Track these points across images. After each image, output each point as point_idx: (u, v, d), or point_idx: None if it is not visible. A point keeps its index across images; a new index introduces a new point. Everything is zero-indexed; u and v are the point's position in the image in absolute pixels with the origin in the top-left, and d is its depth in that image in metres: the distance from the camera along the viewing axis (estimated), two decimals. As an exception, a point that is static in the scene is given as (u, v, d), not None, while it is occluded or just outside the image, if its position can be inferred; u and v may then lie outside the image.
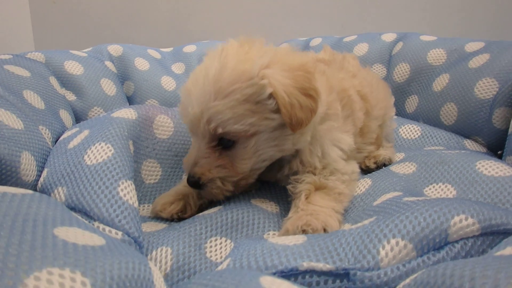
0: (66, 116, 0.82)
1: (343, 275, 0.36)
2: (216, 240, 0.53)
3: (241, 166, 0.58)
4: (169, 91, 1.15)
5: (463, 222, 0.40)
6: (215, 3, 1.77)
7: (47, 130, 0.69)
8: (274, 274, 0.37)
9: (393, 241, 0.38)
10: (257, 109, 0.53)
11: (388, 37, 1.26)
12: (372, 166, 0.76)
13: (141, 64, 1.14)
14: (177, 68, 1.27)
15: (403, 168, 0.69)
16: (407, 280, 0.31)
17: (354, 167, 0.67)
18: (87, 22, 1.70)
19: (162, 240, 0.51)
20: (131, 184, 0.51)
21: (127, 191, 0.49)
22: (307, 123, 0.55)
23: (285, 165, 0.64)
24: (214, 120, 0.53)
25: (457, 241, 0.40)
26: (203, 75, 0.55)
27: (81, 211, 0.46)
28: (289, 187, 0.62)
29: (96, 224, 0.44)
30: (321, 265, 0.37)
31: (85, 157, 0.53)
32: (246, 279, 0.27)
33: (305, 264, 0.37)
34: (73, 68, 0.94)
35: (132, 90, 1.10)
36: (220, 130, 0.54)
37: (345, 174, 0.63)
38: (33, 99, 0.74)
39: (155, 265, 0.48)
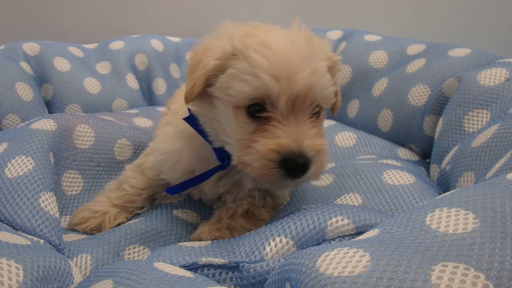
0: (-23, 126, 0.95)
1: (234, 267, 0.57)
2: (134, 248, 0.72)
3: (324, 136, 0.68)
4: (93, 94, 1.31)
5: (339, 223, 0.62)
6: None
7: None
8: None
9: (277, 239, 0.59)
10: (332, 82, 0.66)
11: (334, 34, 1.50)
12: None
13: (61, 64, 1.28)
14: (102, 67, 1.41)
15: (322, 181, 0.92)
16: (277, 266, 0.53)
17: (285, 194, 0.86)
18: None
19: (83, 248, 0.69)
20: (52, 196, 0.68)
21: (48, 203, 0.67)
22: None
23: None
24: (321, 83, 0.62)
25: (333, 239, 0.62)
26: (292, 41, 0.62)
27: (4, 221, 0.63)
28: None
29: (19, 232, 0.61)
30: (216, 260, 0.57)
31: (6, 170, 0.69)
32: (141, 264, 0.46)
33: (204, 259, 0.57)
34: (-16, 71, 1.06)
35: (51, 94, 1.24)
36: (323, 94, 0.63)
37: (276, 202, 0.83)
38: None
39: (75, 271, 0.65)
